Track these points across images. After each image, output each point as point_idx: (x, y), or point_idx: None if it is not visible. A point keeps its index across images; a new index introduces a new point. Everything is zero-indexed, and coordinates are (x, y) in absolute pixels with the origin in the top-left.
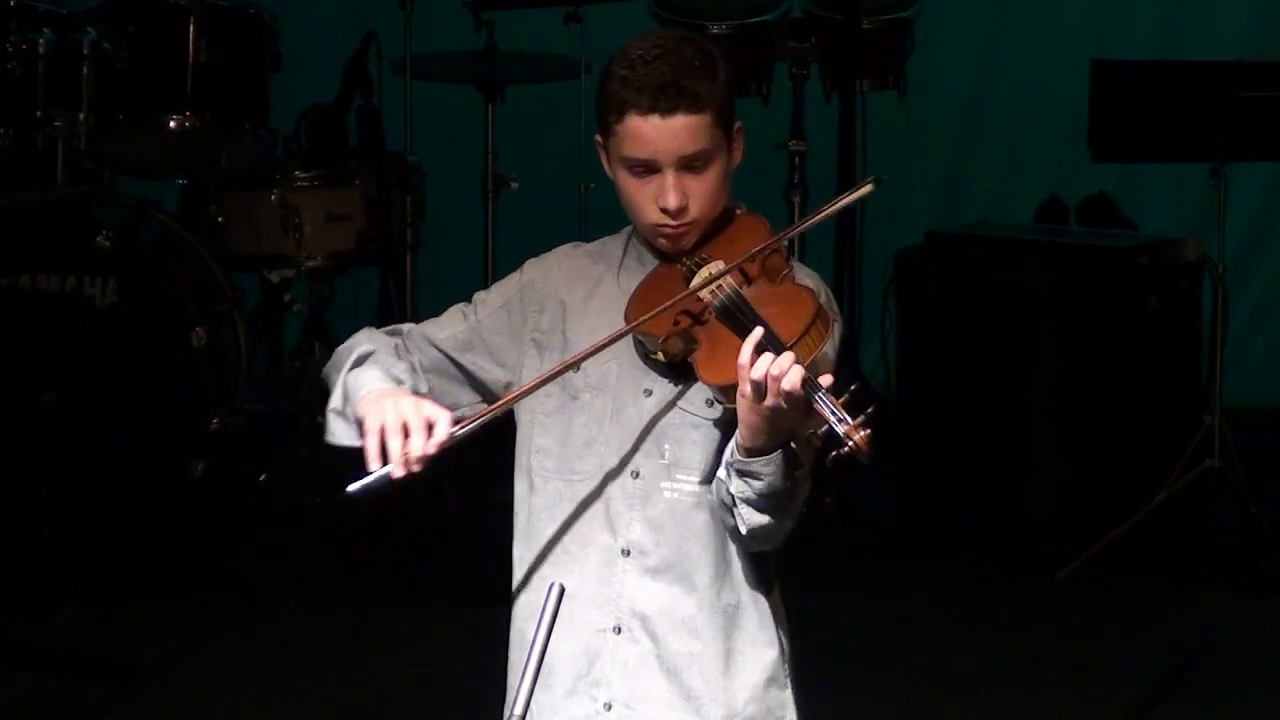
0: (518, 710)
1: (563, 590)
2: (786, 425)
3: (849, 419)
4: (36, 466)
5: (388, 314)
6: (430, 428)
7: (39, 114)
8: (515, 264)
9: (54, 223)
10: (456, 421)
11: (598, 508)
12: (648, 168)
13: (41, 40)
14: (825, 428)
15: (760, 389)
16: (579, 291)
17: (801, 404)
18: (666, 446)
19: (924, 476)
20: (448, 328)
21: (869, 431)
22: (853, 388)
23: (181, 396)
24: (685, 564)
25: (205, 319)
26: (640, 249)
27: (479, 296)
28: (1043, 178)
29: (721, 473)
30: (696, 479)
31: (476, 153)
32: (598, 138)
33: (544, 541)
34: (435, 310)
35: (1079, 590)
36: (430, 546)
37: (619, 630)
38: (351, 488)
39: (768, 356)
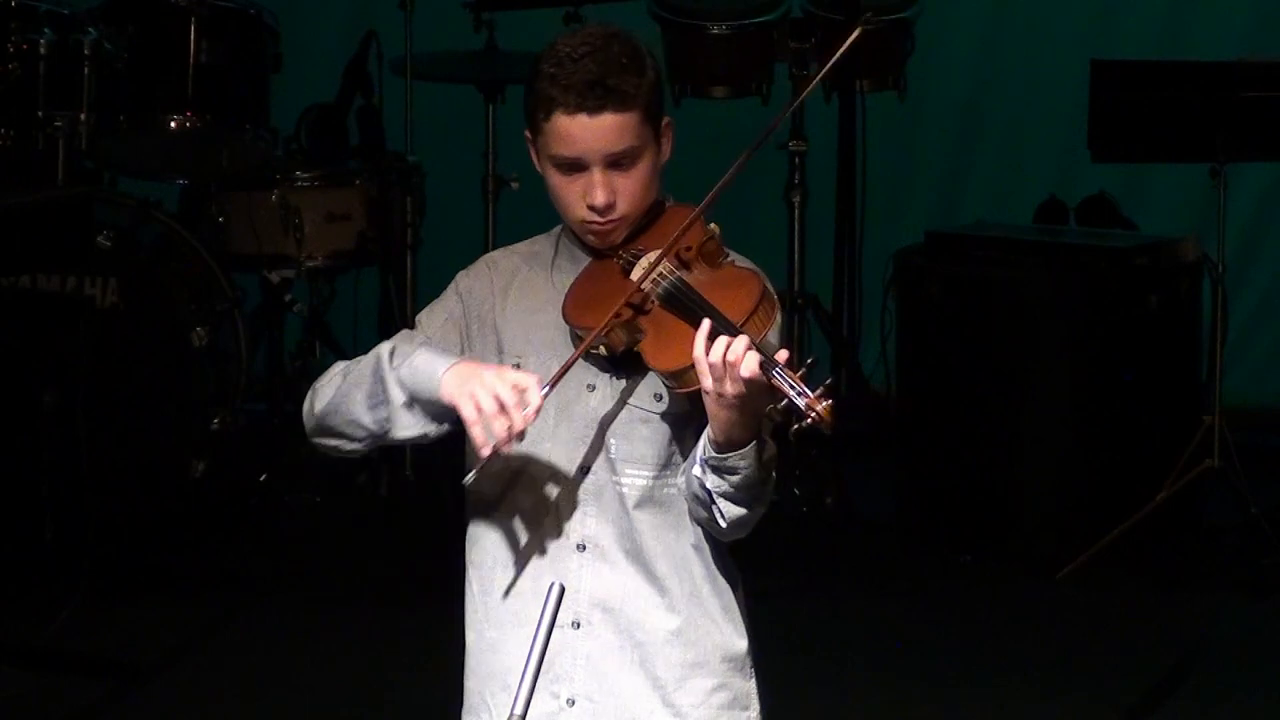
0: (518, 710)
1: (563, 590)
2: (754, 411)
3: (809, 391)
4: (36, 466)
5: (388, 314)
6: (522, 394)
7: (39, 114)
8: None
9: (54, 223)
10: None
11: (549, 506)
12: (575, 165)
13: (42, 40)
14: (784, 401)
15: (719, 376)
16: (511, 293)
17: (763, 385)
18: (613, 442)
19: (924, 476)
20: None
21: (830, 402)
22: (809, 361)
23: (181, 396)
24: (644, 555)
25: (205, 319)
26: (572, 246)
27: (420, 318)
28: (1043, 178)
29: (695, 469)
30: (649, 473)
31: (476, 153)
32: (527, 134)
33: (496, 544)
34: None
35: (1079, 590)
36: (429, 546)
37: (577, 625)
38: (469, 479)
39: (721, 342)
